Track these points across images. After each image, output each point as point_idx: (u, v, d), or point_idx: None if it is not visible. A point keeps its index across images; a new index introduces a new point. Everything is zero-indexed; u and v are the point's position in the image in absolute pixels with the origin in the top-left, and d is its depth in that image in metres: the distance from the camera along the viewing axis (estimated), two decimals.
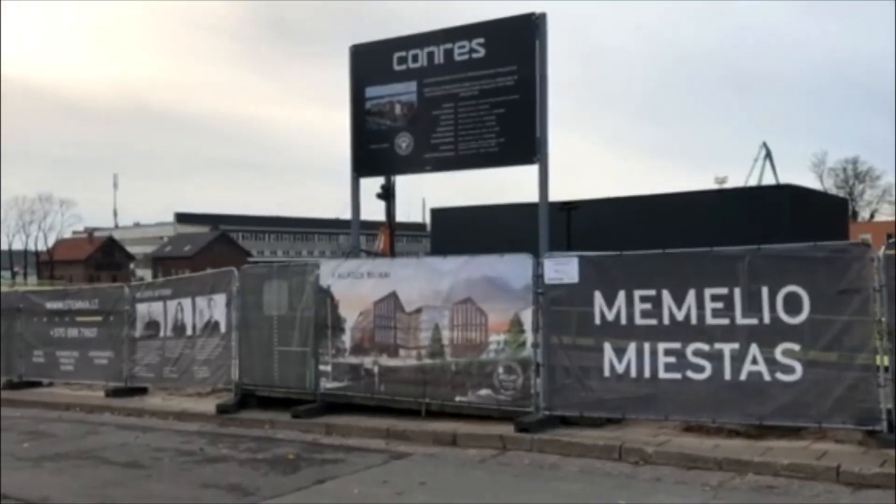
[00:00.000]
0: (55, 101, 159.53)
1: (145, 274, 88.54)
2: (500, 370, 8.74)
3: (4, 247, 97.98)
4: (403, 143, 11.08)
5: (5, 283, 76.03)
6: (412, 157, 11.05)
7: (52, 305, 13.83)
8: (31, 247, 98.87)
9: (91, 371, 13.03)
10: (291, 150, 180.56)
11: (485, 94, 10.40)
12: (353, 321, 9.85)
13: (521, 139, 10.15)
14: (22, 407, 12.48)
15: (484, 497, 6.50)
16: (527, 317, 8.57)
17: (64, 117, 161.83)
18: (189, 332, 11.64)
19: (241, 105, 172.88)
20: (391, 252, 25.31)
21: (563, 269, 8.45)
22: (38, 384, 13.87)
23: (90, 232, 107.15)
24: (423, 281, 9.41)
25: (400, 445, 8.49)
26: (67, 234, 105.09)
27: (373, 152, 11.35)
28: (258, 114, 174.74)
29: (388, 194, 26.35)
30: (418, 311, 9.36)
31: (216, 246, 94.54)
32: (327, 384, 10.02)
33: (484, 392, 8.84)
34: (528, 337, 8.56)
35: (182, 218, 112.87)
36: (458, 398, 9.03)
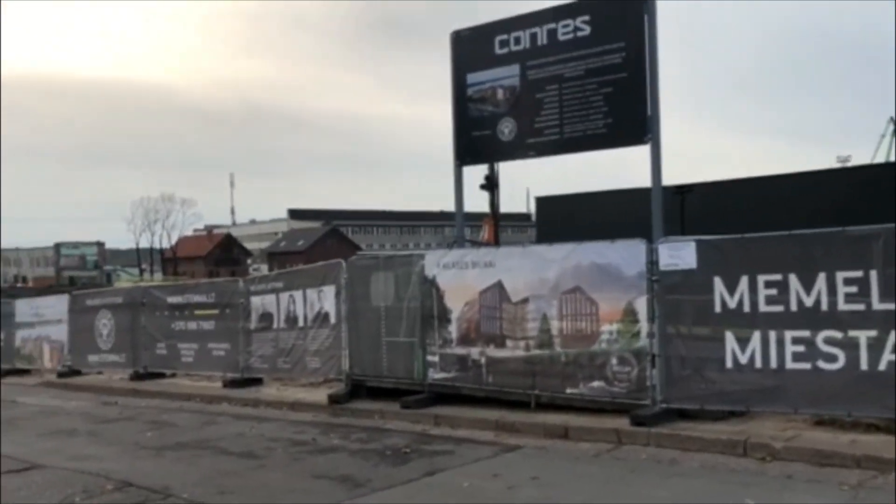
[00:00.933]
0: (172, 103, 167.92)
1: (262, 268, 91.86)
2: (614, 361, 8.39)
3: (133, 245, 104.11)
4: (506, 128, 10.83)
5: (133, 279, 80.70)
6: (515, 142, 10.78)
7: (172, 300, 14.41)
8: (157, 244, 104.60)
9: (209, 362, 13.50)
10: (398, 144, 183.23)
11: (591, 73, 9.99)
12: (458, 311, 9.72)
13: (631, 119, 9.70)
14: (146, 397, 13.07)
15: (600, 493, 6.21)
16: (641, 305, 8.18)
17: (181, 120, 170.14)
18: (301, 323, 11.85)
19: (347, 102, 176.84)
20: (496, 242, 25.11)
21: (679, 254, 8.01)
22: (161, 375, 14.49)
23: (210, 229, 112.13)
24: (529, 270, 9.16)
25: (510, 438, 8.29)
26: (189, 232, 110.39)
27: (475, 140, 11.15)
28: (365, 110, 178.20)
29: (491, 185, 26.14)
30: (525, 300, 9.12)
31: (328, 240, 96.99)
32: (435, 375, 9.94)
33: (596, 384, 8.52)
34: (643, 326, 8.17)
35: (295, 214, 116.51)
36: (568, 390, 8.75)
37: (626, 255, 8.34)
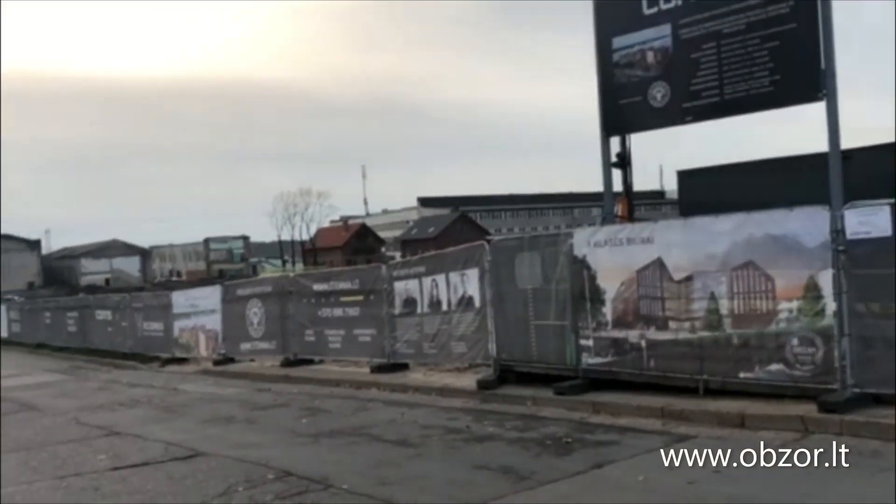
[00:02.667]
0: (305, 100, 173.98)
1: (395, 256, 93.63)
2: (794, 342, 7.57)
3: (275, 237, 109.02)
4: (658, 93, 10.08)
5: (276, 270, 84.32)
6: (669, 107, 10.03)
7: (318, 287, 14.58)
8: (297, 236, 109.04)
9: (356, 348, 13.54)
10: (524, 127, 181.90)
11: (753, 27, 9.11)
12: (613, 292, 9.13)
13: (802, 74, 8.77)
14: (298, 383, 13.27)
15: (798, 489, 5.51)
16: (825, 280, 7.32)
17: (315, 115, 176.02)
18: (445, 307, 11.62)
19: (472, 89, 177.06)
20: (630, 221, 24.09)
21: (870, 220, 7.09)
22: (310, 361, 14.70)
23: (345, 220, 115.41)
24: (693, 245, 8.44)
25: (679, 426, 7.66)
26: (326, 224, 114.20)
27: (623, 108, 10.48)
28: (489, 95, 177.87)
29: (623, 162, 25.14)
30: (689, 278, 8.42)
31: (457, 226, 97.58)
32: (589, 360, 9.42)
33: (774, 367, 7.73)
34: (828, 303, 7.31)
35: (425, 202, 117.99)
36: (742, 374, 8.00)
37: (807, 224, 7.49)
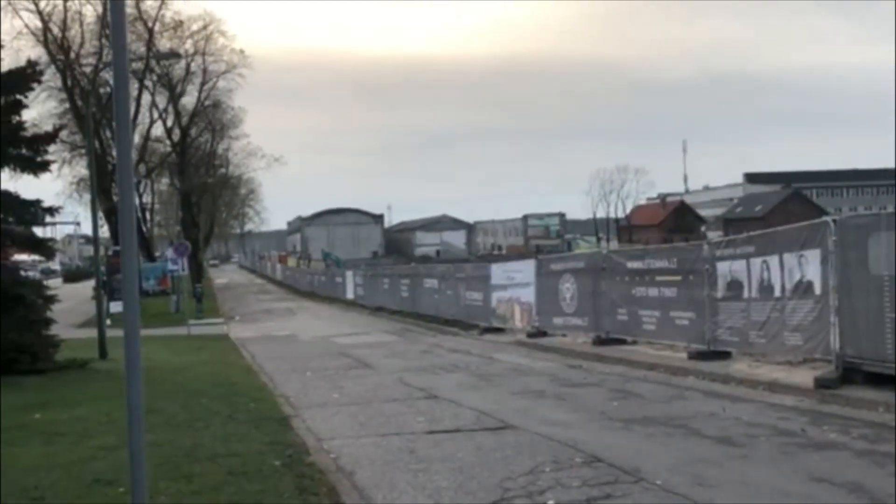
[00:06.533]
0: (626, 77, 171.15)
1: (717, 236, 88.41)
2: None
3: (590, 215, 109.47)
4: None
5: (590, 247, 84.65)
6: None
7: (632, 265, 14.02)
8: (612, 214, 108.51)
9: (671, 331, 12.80)
10: (875, 94, 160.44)
11: None
12: None
13: None
14: (609, 363, 12.89)
15: None
16: None
17: (635, 92, 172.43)
18: (777, 293, 10.41)
19: (816, 54, 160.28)
20: None
21: None
22: (622, 341, 14.21)
23: (663, 198, 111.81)
24: None
25: None
26: (642, 201, 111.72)
27: None
28: (835, 59, 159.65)
29: None
30: None
31: (789, 204, 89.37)
32: None
33: None
34: None
35: (752, 178, 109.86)
36: None
37: None
